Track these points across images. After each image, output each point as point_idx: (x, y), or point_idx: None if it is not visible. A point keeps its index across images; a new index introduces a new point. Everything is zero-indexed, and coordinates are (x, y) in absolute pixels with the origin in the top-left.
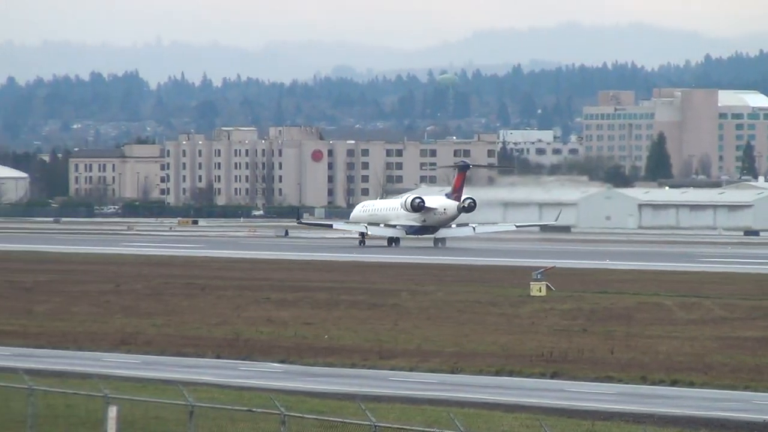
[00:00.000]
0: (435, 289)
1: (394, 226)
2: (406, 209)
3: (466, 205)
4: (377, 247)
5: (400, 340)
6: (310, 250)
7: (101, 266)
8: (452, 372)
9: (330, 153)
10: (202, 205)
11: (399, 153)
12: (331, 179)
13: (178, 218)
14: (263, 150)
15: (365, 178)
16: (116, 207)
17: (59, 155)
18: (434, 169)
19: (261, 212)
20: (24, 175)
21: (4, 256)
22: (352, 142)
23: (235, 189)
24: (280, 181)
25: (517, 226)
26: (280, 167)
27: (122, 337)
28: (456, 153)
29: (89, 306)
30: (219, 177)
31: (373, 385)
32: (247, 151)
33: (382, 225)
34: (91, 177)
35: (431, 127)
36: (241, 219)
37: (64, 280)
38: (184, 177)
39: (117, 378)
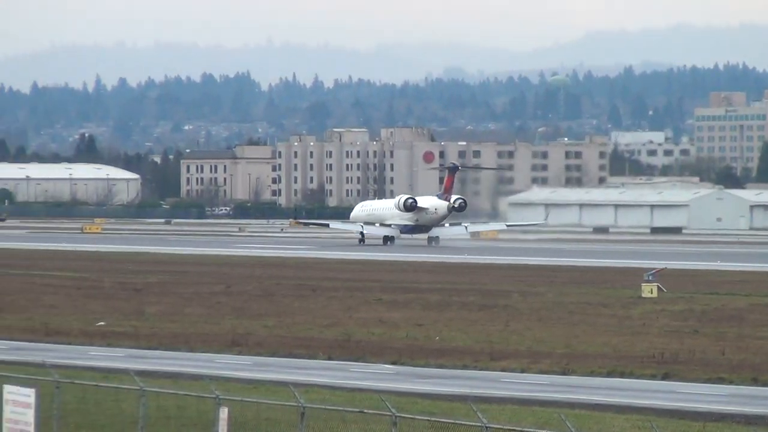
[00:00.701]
0: (546, 291)
1: (389, 226)
2: (400, 209)
3: (456, 205)
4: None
5: (511, 342)
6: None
7: (213, 267)
8: (563, 373)
9: (441, 154)
10: (314, 207)
11: (510, 154)
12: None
13: (290, 219)
14: (374, 151)
15: (476, 180)
16: (227, 208)
17: (171, 156)
18: (546, 171)
19: None
20: (135, 176)
21: (115, 258)
22: (464, 143)
23: (347, 190)
24: (392, 182)
25: (507, 226)
26: (392, 168)
27: (233, 338)
28: (567, 155)
29: (201, 307)
30: (330, 178)
31: (484, 387)
32: (358, 152)
33: (377, 224)
34: (202, 178)
35: (542, 129)
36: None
37: (176, 282)
38: (295, 178)
39: (228, 379)
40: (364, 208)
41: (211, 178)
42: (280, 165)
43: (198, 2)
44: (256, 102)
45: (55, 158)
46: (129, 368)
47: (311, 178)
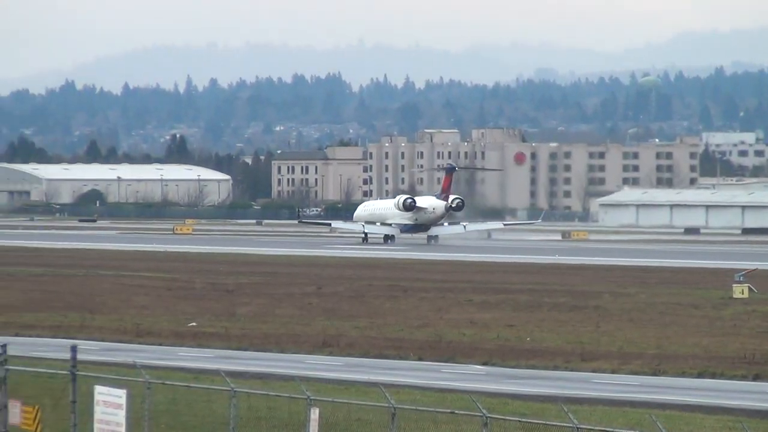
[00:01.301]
0: (637, 291)
1: (389, 225)
2: (400, 209)
3: (454, 205)
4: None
5: (602, 342)
6: (511, 251)
7: (304, 268)
8: (654, 374)
9: (533, 155)
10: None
11: (601, 155)
12: (533, 181)
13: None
14: (465, 152)
15: (567, 181)
16: (319, 209)
17: (262, 157)
18: (637, 172)
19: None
20: (227, 177)
21: (207, 259)
22: (555, 144)
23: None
24: (483, 183)
25: (504, 225)
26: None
27: (324, 339)
28: (658, 155)
29: (292, 308)
30: (421, 179)
31: (575, 387)
32: (449, 153)
33: (378, 223)
34: (293, 179)
35: (633, 130)
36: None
37: (267, 283)
38: (386, 179)
39: (319, 380)
40: (366, 208)
41: (302, 179)
42: (371, 166)
43: (290, 3)
44: (347, 103)
45: (146, 159)
46: (220, 369)
47: (402, 179)
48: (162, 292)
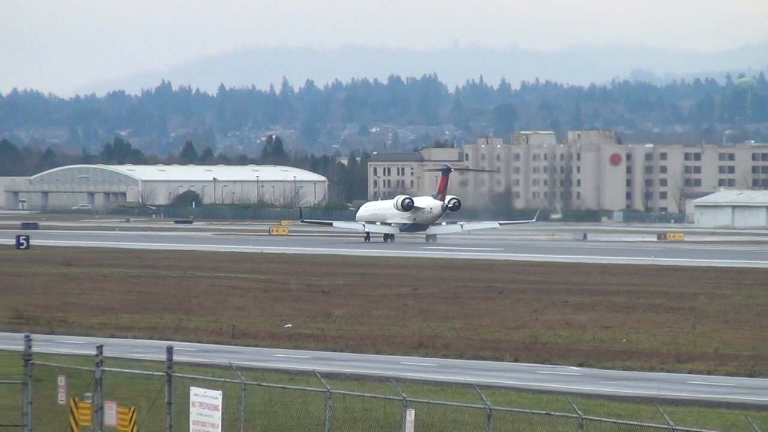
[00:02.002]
0: (733, 293)
1: (389, 224)
2: (398, 209)
3: (450, 205)
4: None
5: (698, 344)
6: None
7: (400, 270)
8: (750, 375)
9: (628, 157)
10: (501, 209)
11: (697, 157)
12: (629, 183)
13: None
14: (561, 154)
15: (663, 182)
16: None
17: (358, 159)
18: (732, 173)
19: (559, 216)
20: (322, 178)
21: (302, 260)
22: (650, 146)
23: (533, 192)
24: (578, 184)
25: (500, 224)
26: (579, 171)
27: (420, 340)
28: (754, 157)
29: (387, 309)
30: (517, 180)
31: (671, 389)
32: (545, 154)
33: (378, 223)
34: (389, 180)
35: (729, 131)
36: (534, 221)
37: (363, 284)
38: (482, 181)
39: (415, 381)
40: (368, 209)
41: (398, 180)
42: (466, 167)
43: (385, 5)
44: (443, 104)
45: (242, 160)
46: (316, 370)
47: (498, 181)
48: (258, 294)
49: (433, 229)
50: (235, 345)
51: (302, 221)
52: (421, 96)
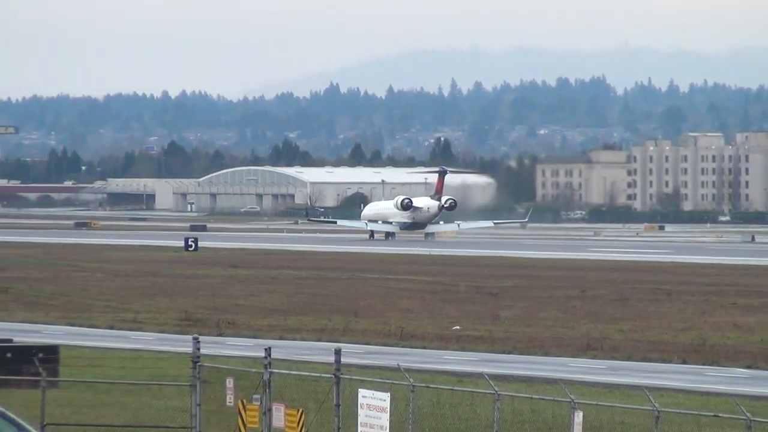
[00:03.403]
0: None
1: (390, 223)
2: (398, 208)
3: (447, 205)
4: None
5: None
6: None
7: (567, 272)
8: None
9: None
10: (669, 211)
11: None
12: None
13: (645, 224)
14: (730, 156)
15: None
16: (582, 212)
17: (526, 161)
18: None
19: (727, 218)
20: (490, 180)
21: (471, 262)
22: None
23: (702, 195)
24: (747, 186)
25: (494, 223)
26: (747, 173)
27: (588, 342)
28: None
29: (555, 311)
30: (685, 182)
31: None
32: (713, 156)
33: (380, 222)
34: (557, 182)
35: None
36: (708, 224)
37: (531, 286)
38: (650, 182)
39: (582, 383)
40: (372, 209)
41: (566, 183)
42: (635, 169)
43: (553, 6)
44: (611, 106)
45: (410, 162)
46: (484, 372)
47: (666, 183)
48: (426, 296)
49: (431, 228)
50: (403, 347)
51: (309, 220)
52: (589, 98)
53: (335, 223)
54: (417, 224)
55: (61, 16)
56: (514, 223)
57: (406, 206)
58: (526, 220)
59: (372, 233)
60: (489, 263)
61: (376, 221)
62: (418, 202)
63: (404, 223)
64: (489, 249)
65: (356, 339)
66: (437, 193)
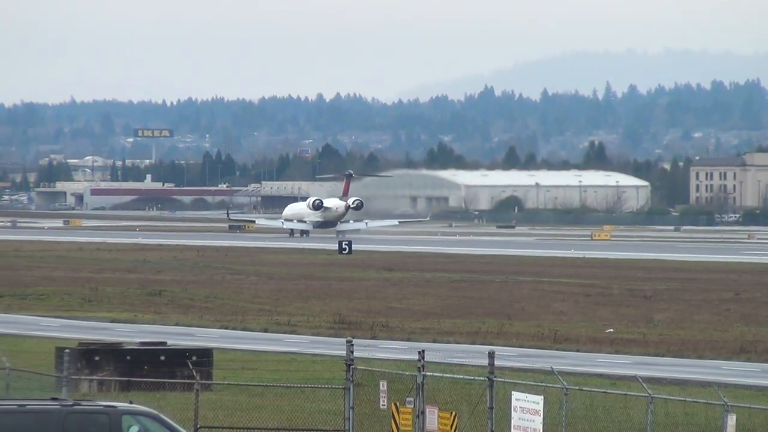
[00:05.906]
0: None
1: (305, 222)
2: (311, 208)
3: (354, 205)
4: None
5: None
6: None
7: (721, 275)
8: None
9: None
10: None
11: None
12: None
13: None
14: None
15: None
16: (736, 215)
17: (680, 163)
18: None
19: None
20: (645, 183)
21: (624, 265)
22: None
23: None
24: None
25: (399, 222)
26: None
27: (741, 345)
28: None
29: (709, 314)
30: None
31: None
32: None
33: (295, 221)
34: (711, 185)
35: None
36: (428, 219)
37: (685, 289)
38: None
39: (736, 386)
40: (290, 209)
41: (720, 185)
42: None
43: (709, 8)
44: (766, 109)
45: (564, 165)
46: (637, 375)
47: None
48: (580, 298)
49: (341, 226)
50: (557, 350)
51: (229, 219)
52: (744, 100)
53: (254, 222)
54: (328, 222)
55: (216, 20)
56: (416, 222)
57: (317, 206)
58: (428, 218)
59: (291, 231)
60: (643, 266)
61: (292, 220)
62: (328, 202)
63: (317, 221)
64: (643, 252)
65: (510, 342)
66: (344, 195)
